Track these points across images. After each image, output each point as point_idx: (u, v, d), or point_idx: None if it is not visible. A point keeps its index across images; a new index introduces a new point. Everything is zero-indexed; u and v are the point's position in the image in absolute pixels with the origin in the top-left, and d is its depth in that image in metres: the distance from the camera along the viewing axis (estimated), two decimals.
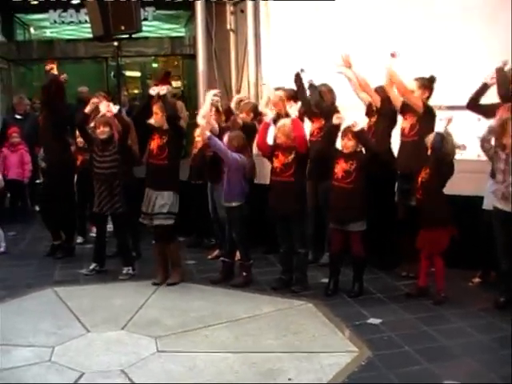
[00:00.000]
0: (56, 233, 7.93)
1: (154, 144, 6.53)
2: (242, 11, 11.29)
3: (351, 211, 6.05)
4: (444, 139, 5.79)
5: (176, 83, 17.83)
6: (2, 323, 5.67)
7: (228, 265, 6.71)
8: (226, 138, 6.52)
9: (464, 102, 6.45)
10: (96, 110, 7.95)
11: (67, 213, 7.82)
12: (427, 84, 6.48)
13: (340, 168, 6.11)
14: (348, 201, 6.03)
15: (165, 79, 17.68)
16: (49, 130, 7.77)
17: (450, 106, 7.60)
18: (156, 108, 6.52)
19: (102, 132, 6.86)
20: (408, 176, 6.34)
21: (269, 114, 6.60)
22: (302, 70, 7.16)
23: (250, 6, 10.80)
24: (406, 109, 6.50)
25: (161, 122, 6.52)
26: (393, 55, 6.40)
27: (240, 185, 6.47)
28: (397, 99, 6.53)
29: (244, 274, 6.59)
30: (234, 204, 6.48)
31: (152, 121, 6.65)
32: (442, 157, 5.81)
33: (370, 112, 6.95)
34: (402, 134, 6.54)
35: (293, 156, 6.18)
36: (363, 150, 6.30)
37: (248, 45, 10.87)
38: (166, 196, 6.45)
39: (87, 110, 7.10)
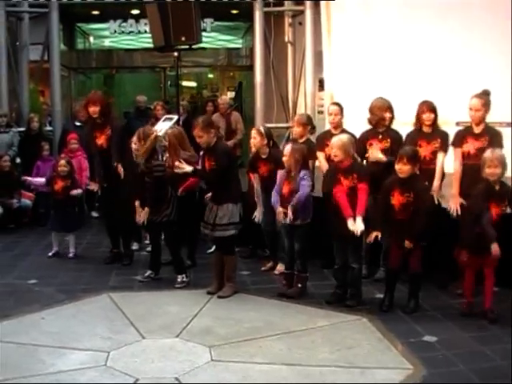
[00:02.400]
0: (116, 240, 8.02)
1: (207, 162, 6.55)
2: (300, 24, 11.38)
3: (414, 237, 5.96)
4: None
5: (231, 94, 18.06)
6: (59, 326, 5.80)
7: (290, 276, 6.70)
8: (287, 148, 6.51)
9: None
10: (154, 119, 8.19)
11: (125, 219, 7.82)
12: (487, 99, 6.38)
13: (396, 200, 5.97)
14: (409, 231, 5.92)
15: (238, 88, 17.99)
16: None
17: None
18: (197, 132, 6.44)
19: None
20: (466, 196, 6.27)
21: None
22: None
23: (308, 18, 10.86)
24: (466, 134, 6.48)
25: (207, 141, 6.45)
26: None
27: (305, 204, 6.44)
28: None
29: (299, 285, 6.58)
30: (299, 222, 6.46)
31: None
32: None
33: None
34: (463, 157, 6.47)
35: None
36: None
37: (305, 57, 10.93)
38: (224, 208, 6.45)
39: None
